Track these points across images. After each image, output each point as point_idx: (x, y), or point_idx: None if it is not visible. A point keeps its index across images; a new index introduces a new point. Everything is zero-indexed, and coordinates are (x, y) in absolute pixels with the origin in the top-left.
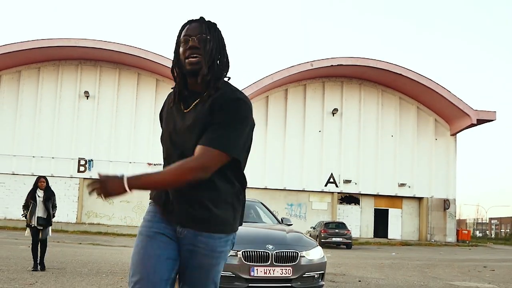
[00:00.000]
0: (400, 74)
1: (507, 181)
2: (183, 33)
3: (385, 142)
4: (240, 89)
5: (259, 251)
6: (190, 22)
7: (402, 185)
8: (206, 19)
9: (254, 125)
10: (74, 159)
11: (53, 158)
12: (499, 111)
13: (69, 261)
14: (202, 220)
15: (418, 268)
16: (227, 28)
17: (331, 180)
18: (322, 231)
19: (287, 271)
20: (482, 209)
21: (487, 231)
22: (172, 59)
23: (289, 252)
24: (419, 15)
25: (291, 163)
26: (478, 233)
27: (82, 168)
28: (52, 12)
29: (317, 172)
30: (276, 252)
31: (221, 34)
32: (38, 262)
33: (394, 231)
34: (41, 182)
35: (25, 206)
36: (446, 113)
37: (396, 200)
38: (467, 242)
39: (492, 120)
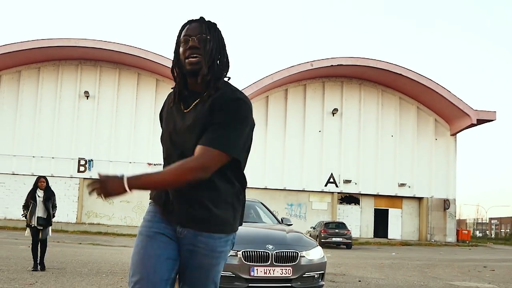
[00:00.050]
0: (400, 74)
1: (507, 181)
2: (183, 33)
3: (385, 142)
4: (240, 89)
5: (259, 251)
6: (190, 22)
7: (402, 185)
8: (206, 19)
9: (254, 125)
10: (74, 159)
11: (53, 158)
12: (499, 111)
13: (69, 261)
14: (202, 220)
15: (418, 268)
16: (227, 28)
17: (331, 180)
18: (322, 231)
19: (287, 271)
20: (482, 209)
21: (487, 231)
22: (172, 59)
23: (289, 252)
24: (419, 15)
25: (291, 163)
26: (478, 233)
27: (82, 168)
28: (52, 12)
29: (317, 172)
30: (276, 252)
31: (221, 34)
32: (38, 262)
33: (394, 231)
34: (41, 182)
35: (25, 206)
36: (446, 113)
37: (396, 200)
38: (467, 242)
39: (492, 120)
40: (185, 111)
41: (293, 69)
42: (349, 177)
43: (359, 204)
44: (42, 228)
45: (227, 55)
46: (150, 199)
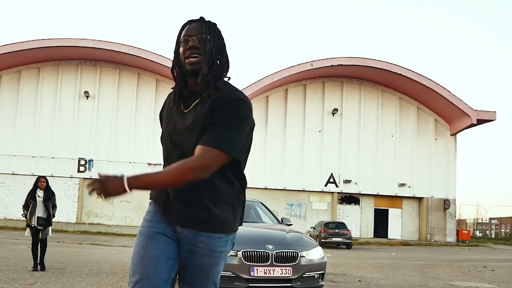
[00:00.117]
0: (400, 74)
1: (507, 181)
2: (183, 33)
3: (385, 142)
4: (240, 89)
5: (259, 251)
6: (190, 22)
7: (402, 185)
8: (206, 19)
9: (254, 125)
10: (74, 159)
11: (53, 158)
12: (499, 111)
13: (69, 261)
14: (202, 220)
15: (418, 268)
16: (228, 28)
17: (331, 180)
18: (322, 231)
19: (287, 271)
20: (482, 209)
21: (487, 231)
22: (172, 59)
23: (289, 252)
24: (419, 15)
25: (291, 163)
26: (478, 233)
27: (82, 168)
28: (52, 12)
29: (317, 172)
30: (276, 252)
31: (221, 34)
32: (38, 262)
33: (394, 231)
34: (41, 182)
35: (25, 206)
36: (446, 113)
37: (396, 200)
38: (467, 242)
39: (492, 120)
40: (185, 111)
41: (293, 69)
42: (349, 177)
43: (359, 204)
44: (42, 228)
45: (227, 55)
46: (150, 199)
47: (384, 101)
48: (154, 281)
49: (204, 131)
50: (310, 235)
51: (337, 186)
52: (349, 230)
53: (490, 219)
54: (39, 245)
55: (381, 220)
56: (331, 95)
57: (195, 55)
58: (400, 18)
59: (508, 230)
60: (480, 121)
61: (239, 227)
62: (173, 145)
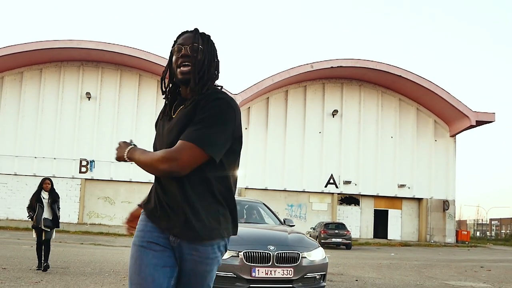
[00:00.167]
0: (400, 76)
1: (507, 182)
2: (177, 43)
3: (385, 143)
4: (228, 94)
5: (260, 252)
6: (184, 32)
7: (402, 186)
8: (200, 31)
9: (240, 128)
10: (76, 159)
11: (55, 159)
12: (498, 112)
13: (72, 261)
14: (192, 230)
15: (415, 268)
16: (228, 30)
17: (331, 181)
18: (322, 232)
19: (288, 272)
20: (483, 210)
21: (488, 232)
22: (164, 70)
23: (291, 253)
24: (419, 17)
25: (291, 164)
26: (478, 234)
27: (83, 169)
28: (54, 14)
29: (317, 173)
30: (278, 253)
31: (214, 46)
32: (42, 262)
33: (394, 231)
34: (46, 184)
35: (30, 208)
36: (446, 114)
37: (395, 201)
38: (467, 242)
39: (491, 122)
40: (173, 116)
41: (293, 71)
42: (349, 178)
43: (359, 205)
44: (48, 229)
45: (218, 66)
46: (138, 205)
47: (384, 102)
48: None
49: (184, 130)
50: (310, 236)
51: (337, 187)
52: (348, 231)
53: (491, 220)
54: (43, 246)
55: (380, 220)
56: (331, 97)
57: (186, 63)
58: (400, 18)
59: (509, 231)
60: (479, 123)
61: (240, 228)
62: (160, 147)
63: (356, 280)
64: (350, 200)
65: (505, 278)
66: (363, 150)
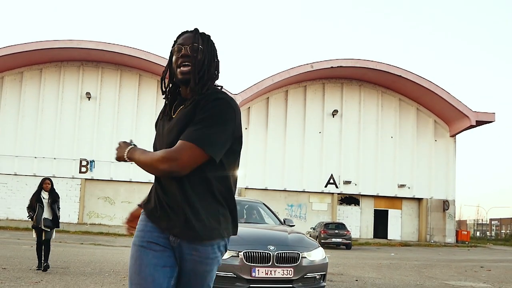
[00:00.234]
0: (400, 76)
1: (507, 182)
2: (176, 43)
3: (385, 143)
4: (228, 94)
5: (260, 252)
6: (184, 32)
7: (402, 186)
8: (200, 31)
9: (240, 128)
10: (75, 159)
11: (55, 159)
12: (498, 112)
13: (72, 261)
14: (192, 230)
15: (415, 268)
16: (228, 30)
17: (331, 181)
18: (322, 232)
19: (288, 272)
20: (483, 210)
21: (488, 232)
22: (164, 70)
23: (291, 253)
24: (419, 17)
25: (291, 164)
26: (478, 234)
27: (83, 169)
28: (54, 13)
29: (317, 173)
30: (278, 253)
31: (214, 46)
32: (42, 262)
33: (394, 231)
34: (46, 184)
35: (30, 208)
36: (446, 114)
37: (395, 201)
38: (467, 242)
39: (491, 122)
40: (173, 116)
41: (293, 71)
42: (349, 178)
43: (359, 205)
44: (48, 229)
45: (218, 66)
46: (138, 205)
47: (384, 102)
48: None
49: (184, 130)
50: (310, 236)
51: (337, 187)
52: (348, 231)
53: (491, 220)
54: (42, 246)
55: (380, 220)
56: (331, 97)
57: (186, 63)
58: (400, 18)
59: (509, 231)
60: (479, 123)
61: (241, 228)
62: (161, 148)
63: (356, 280)
64: (350, 200)
65: (505, 278)
66: (363, 150)
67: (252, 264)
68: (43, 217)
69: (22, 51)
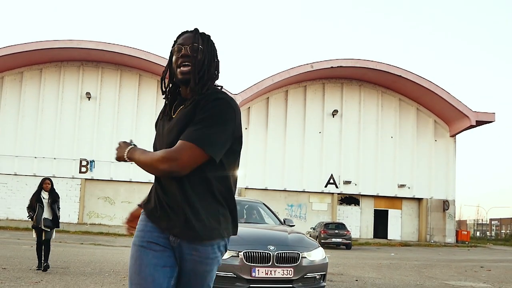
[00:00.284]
0: (400, 76)
1: (507, 182)
2: (177, 43)
3: (385, 143)
4: (228, 94)
5: (260, 252)
6: (184, 33)
7: (402, 186)
8: (200, 31)
9: (240, 128)
10: (75, 159)
11: (55, 159)
12: (498, 112)
13: (72, 261)
14: (192, 230)
15: (415, 268)
16: (228, 30)
17: (331, 181)
18: (322, 232)
19: (288, 272)
20: (483, 210)
21: (488, 232)
22: (164, 70)
23: (291, 253)
24: (419, 17)
25: (291, 164)
26: (478, 234)
27: (83, 169)
28: (54, 14)
29: (317, 173)
30: (278, 253)
31: (214, 46)
32: (42, 262)
33: (394, 231)
34: (46, 184)
35: (30, 208)
36: (446, 114)
37: (395, 201)
38: (467, 242)
39: (491, 122)
40: (173, 116)
41: (293, 71)
42: (349, 178)
43: (359, 205)
44: (48, 229)
45: (218, 67)
46: (138, 205)
47: (384, 102)
48: None
49: (183, 130)
50: (310, 236)
51: (337, 187)
52: (348, 231)
53: (491, 220)
54: (43, 246)
55: (380, 220)
56: (331, 97)
57: (186, 63)
58: (400, 18)
59: (509, 231)
60: (479, 123)
61: (241, 228)
62: (161, 147)
63: (356, 280)
64: (350, 200)
65: (505, 278)
66: (363, 150)
67: (252, 264)
68: (43, 217)
69: (22, 51)
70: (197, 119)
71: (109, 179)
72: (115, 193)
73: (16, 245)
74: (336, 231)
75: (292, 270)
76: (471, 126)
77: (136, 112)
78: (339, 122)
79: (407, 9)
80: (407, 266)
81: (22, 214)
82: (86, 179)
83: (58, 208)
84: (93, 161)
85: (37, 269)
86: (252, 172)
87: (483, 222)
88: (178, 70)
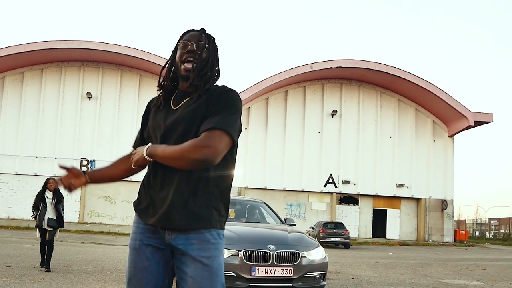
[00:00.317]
0: (399, 76)
1: (506, 181)
2: (183, 39)
3: (383, 143)
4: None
5: (260, 251)
6: (190, 30)
7: (401, 185)
8: (207, 32)
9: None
10: (76, 159)
11: (55, 158)
12: (496, 113)
13: (74, 259)
14: (187, 220)
15: (411, 267)
16: (228, 30)
17: (330, 180)
18: (321, 231)
19: (288, 271)
20: (482, 210)
21: (487, 232)
22: (166, 63)
23: (290, 252)
24: (419, 17)
25: (290, 163)
26: (477, 234)
27: (84, 169)
28: (55, 14)
29: (316, 173)
30: (277, 252)
31: (217, 48)
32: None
33: (393, 231)
34: (50, 184)
35: (35, 207)
36: (444, 115)
37: (394, 200)
38: (465, 242)
39: (489, 122)
40: (174, 108)
41: (293, 71)
42: (348, 177)
43: (357, 204)
44: (51, 229)
45: (219, 68)
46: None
47: (382, 102)
48: None
49: (194, 124)
50: (309, 235)
51: (336, 186)
52: (347, 230)
53: (490, 219)
54: (46, 245)
55: (379, 220)
56: (330, 97)
57: (191, 59)
58: (400, 18)
59: (508, 231)
60: (478, 123)
61: (241, 227)
62: (163, 141)
63: (352, 278)
64: (349, 199)
65: (499, 277)
66: (362, 150)
67: (252, 263)
68: (47, 217)
69: (23, 51)
70: (216, 109)
71: None
72: (116, 192)
73: (18, 244)
74: (335, 230)
75: (292, 269)
76: (469, 127)
77: (137, 112)
78: (338, 122)
79: (407, 9)
80: (403, 265)
81: (23, 213)
82: None
83: (62, 208)
84: (94, 160)
85: (40, 267)
86: (251, 172)
87: (482, 222)
88: (182, 66)
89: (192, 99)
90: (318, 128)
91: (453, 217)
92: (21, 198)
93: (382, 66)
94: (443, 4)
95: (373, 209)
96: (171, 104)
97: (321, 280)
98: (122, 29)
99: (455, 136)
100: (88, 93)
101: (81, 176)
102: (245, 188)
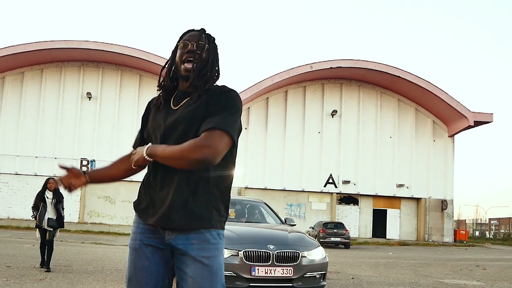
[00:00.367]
0: (399, 76)
1: (506, 182)
2: (183, 39)
3: (383, 143)
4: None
5: (260, 251)
6: (191, 30)
7: (401, 185)
8: (207, 32)
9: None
10: (76, 159)
11: (55, 158)
12: (496, 113)
13: (74, 259)
14: (187, 220)
15: (411, 267)
16: (228, 30)
17: (330, 180)
18: (321, 231)
19: (288, 271)
20: (482, 210)
21: (487, 232)
22: (166, 63)
23: (290, 252)
24: (419, 17)
25: (290, 163)
26: (477, 234)
27: (84, 168)
28: (55, 14)
29: (316, 173)
30: (277, 252)
31: (217, 49)
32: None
33: (393, 231)
34: (50, 184)
35: (35, 207)
36: (444, 115)
37: (394, 200)
38: (465, 242)
39: (489, 122)
40: (174, 108)
41: (293, 71)
42: (348, 177)
43: (357, 204)
44: (51, 229)
45: (219, 68)
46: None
47: (382, 103)
48: None
49: (195, 124)
50: (309, 235)
51: (336, 186)
52: (347, 230)
53: (490, 219)
54: (46, 245)
55: (379, 220)
56: (330, 97)
57: (191, 59)
58: (400, 18)
59: (508, 231)
60: (478, 123)
61: (241, 227)
62: (163, 140)
63: (352, 278)
64: (349, 199)
65: (499, 276)
66: (362, 150)
67: (252, 263)
68: (47, 217)
69: (23, 51)
70: (215, 109)
71: None
72: (116, 192)
73: (18, 244)
74: (335, 230)
75: (292, 269)
76: (469, 127)
77: (137, 112)
78: (338, 122)
79: (407, 9)
80: (403, 265)
81: (23, 213)
82: None
83: (63, 208)
84: (94, 160)
85: (40, 267)
86: (251, 172)
87: (482, 222)
88: (182, 66)
89: (192, 99)
90: (318, 128)
91: (453, 217)
92: (21, 198)
93: (382, 66)
94: (443, 4)
95: (373, 209)
96: (171, 104)
97: (321, 280)
98: (122, 29)
99: (455, 136)
100: (88, 93)
101: (81, 176)
102: (245, 188)
